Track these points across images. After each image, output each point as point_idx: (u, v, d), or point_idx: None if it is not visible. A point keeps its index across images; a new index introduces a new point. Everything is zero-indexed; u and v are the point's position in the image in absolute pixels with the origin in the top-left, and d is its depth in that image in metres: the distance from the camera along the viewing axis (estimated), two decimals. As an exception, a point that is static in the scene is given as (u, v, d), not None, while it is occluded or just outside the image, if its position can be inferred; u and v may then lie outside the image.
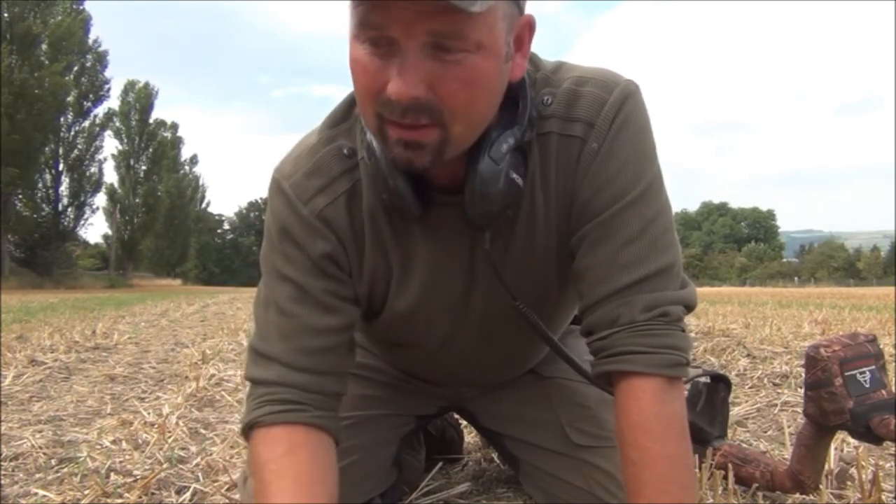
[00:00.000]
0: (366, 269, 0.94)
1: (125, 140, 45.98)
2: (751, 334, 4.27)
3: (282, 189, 0.92)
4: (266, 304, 0.92)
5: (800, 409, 1.72)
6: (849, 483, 1.26)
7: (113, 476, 1.46)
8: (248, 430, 0.90)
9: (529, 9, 0.81)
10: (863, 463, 1.29)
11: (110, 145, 61.30)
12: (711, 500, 1.16)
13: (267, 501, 0.81)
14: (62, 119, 34.16)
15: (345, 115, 0.93)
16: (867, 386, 1.09)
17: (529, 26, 0.80)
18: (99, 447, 1.71)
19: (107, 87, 36.59)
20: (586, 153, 0.86)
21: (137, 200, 45.22)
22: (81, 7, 34.06)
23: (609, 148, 0.86)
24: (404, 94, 0.72)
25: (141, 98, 46.11)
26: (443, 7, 0.68)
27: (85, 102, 35.70)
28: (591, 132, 0.86)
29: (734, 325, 5.10)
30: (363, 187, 0.91)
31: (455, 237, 0.92)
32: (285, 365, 0.89)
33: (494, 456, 1.52)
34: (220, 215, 69.93)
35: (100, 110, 37.29)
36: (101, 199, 41.80)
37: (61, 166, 35.43)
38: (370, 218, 0.92)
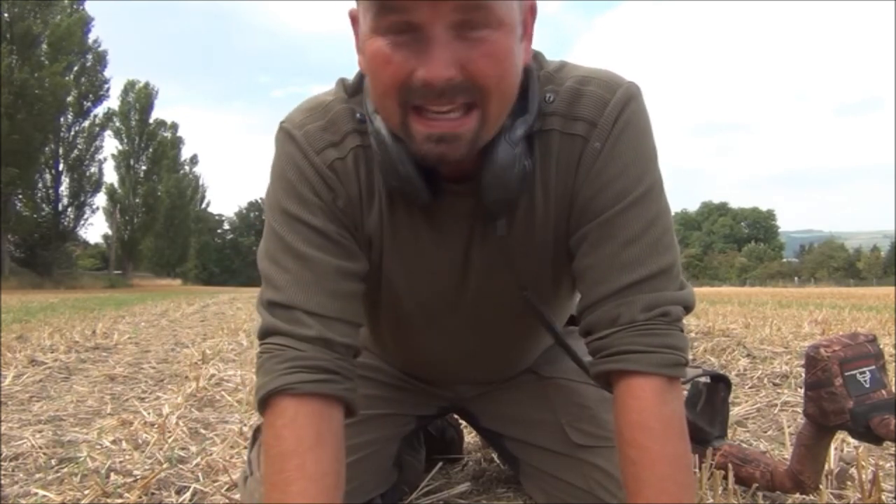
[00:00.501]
0: (366, 231, 0.94)
1: (125, 140, 46.01)
2: (751, 334, 4.26)
3: (293, 136, 0.90)
4: (278, 255, 0.88)
5: (800, 409, 1.72)
6: (849, 483, 1.26)
7: (113, 476, 1.46)
8: (274, 395, 0.84)
9: (529, 8, 0.82)
10: (863, 463, 1.29)
11: (110, 145, 61.41)
12: (711, 500, 1.16)
13: (286, 501, 0.80)
14: (62, 119, 34.15)
15: (358, 87, 0.92)
16: (867, 386, 1.09)
17: (532, 11, 0.82)
18: (99, 447, 1.71)
19: (106, 87, 36.59)
20: (588, 152, 0.87)
21: (137, 200, 45.25)
22: (81, 7, 34.05)
23: (612, 148, 0.86)
24: (438, 76, 0.72)
25: (141, 98, 46.12)
26: None
27: (85, 102, 35.70)
28: (593, 131, 0.86)
29: (734, 325, 5.09)
30: (371, 159, 0.90)
31: (454, 227, 0.92)
32: (312, 314, 0.85)
33: (494, 456, 1.52)
34: (220, 215, 70.00)
35: (100, 110, 37.37)
36: (101, 199, 41.94)
37: (61, 166, 35.43)
38: (374, 189, 0.92)
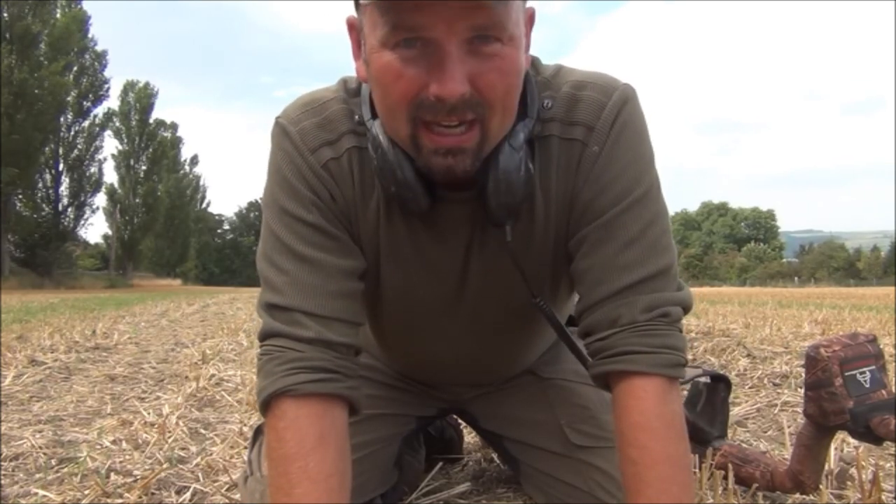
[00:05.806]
0: (362, 233, 0.93)
1: (125, 140, 46.01)
2: (751, 334, 4.26)
3: (288, 133, 0.90)
4: (275, 257, 0.88)
5: (800, 409, 1.72)
6: (849, 483, 1.26)
7: (113, 476, 1.46)
8: (275, 397, 0.84)
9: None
10: (863, 463, 1.29)
11: (110, 145, 61.44)
12: (711, 500, 1.16)
13: (292, 502, 0.80)
14: (62, 119, 34.12)
15: (360, 88, 0.91)
16: (867, 386, 1.09)
17: (531, 18, 0.82)
18: (99, 447, 1.71)
19: (106, 86, 36.59)
20: (587, 156, 0.87)
21: (137, 200, 45.25)
22: (79, 5, 33.99)
23: (610, 151, 0.86)
24: (453, 91, 0.73)
25: (141, 98, 46.12)
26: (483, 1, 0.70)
27: (84, 102, 35.70)
28: (591, 135, 0.86)
29: (734, 325, 5.09)
30: (366, 161, 0.89)
31: (453, 233, 0.92)
32: (311, 315, 0.85)
33: (494, 456, 1.52)
34: (220, 215, 69.87)
35: (99, 110, 37.38)
36: (101, 199, 41.94)
37: (61, 166, 35.43)
38: (371, 191, 0.91)
